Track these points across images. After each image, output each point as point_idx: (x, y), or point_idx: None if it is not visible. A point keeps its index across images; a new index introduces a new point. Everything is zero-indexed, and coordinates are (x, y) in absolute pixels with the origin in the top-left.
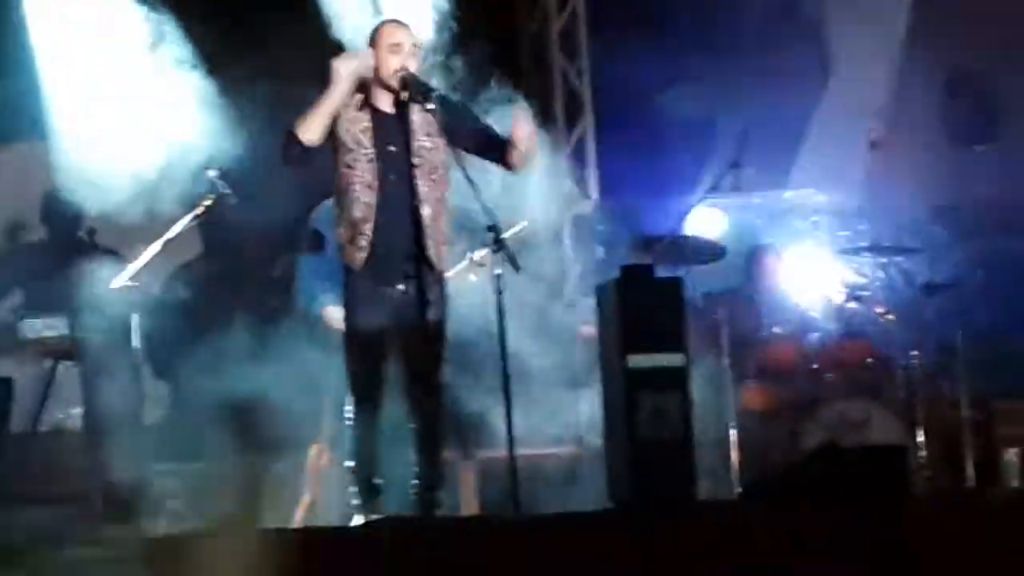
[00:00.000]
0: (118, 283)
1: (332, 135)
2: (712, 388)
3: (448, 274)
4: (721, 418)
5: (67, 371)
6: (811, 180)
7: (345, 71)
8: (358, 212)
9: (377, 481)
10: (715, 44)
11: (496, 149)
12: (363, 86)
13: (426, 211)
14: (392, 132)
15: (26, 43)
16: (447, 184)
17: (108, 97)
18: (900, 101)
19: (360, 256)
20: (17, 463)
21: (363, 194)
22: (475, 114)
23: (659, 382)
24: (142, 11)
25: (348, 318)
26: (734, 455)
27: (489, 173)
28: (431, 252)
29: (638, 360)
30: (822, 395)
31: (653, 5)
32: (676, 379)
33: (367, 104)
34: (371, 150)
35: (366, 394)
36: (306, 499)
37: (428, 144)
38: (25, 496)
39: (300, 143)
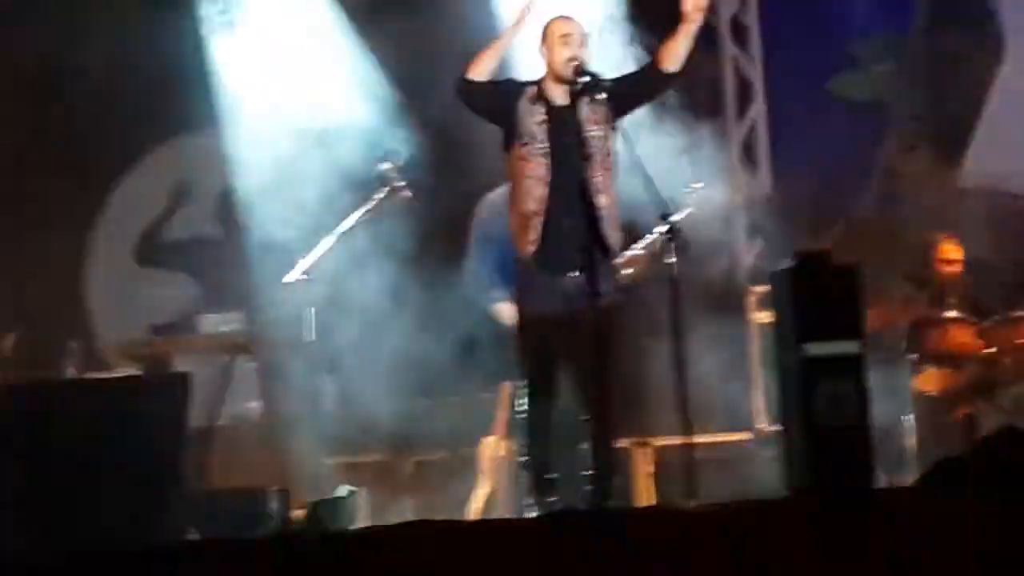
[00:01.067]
0: (292, 277)
1: (507, 125)
2: (888, 373)
3: (619, 261)
4: (897, 403)
5: (244, 366)
6: (987, 164)
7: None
8: (531, 204)
9: (550, 476)
10: (884, 27)
11: (644, 78)
12: (539, 80)
13: (602, 200)
14: (566, 124)
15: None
16: (617, 172)
17: (284, 91)
18: None
19: (531, 247)
20: (196, 458)
21: (535, 186)
22: (629, 74)
23: (836, 369)
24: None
25: (520, 308)
26: (910, 441)
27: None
28: (609, 239)
29: (814, 348)
30: (999, 378)
31: None
32: (853, 366)
33: (541, 97)
34: (545, 144)
35: (539, 384)
36: (482, 490)
37: (600, 133)
38: (205, 490)
39: (466, 79)
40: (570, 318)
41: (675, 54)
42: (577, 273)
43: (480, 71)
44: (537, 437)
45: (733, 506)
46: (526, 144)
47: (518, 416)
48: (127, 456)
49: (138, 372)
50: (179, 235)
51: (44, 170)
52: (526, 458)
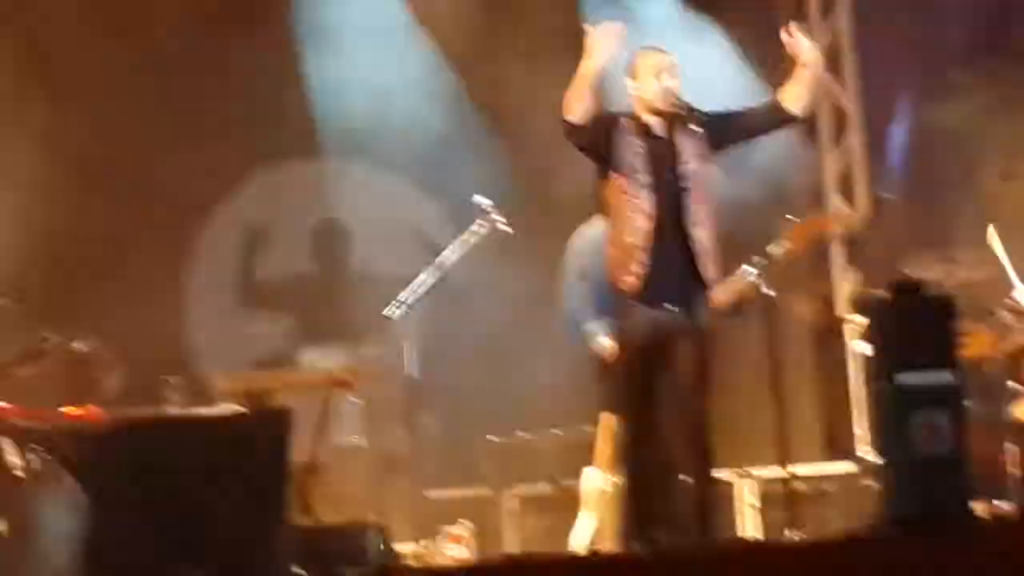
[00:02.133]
0: (392, 311)
1: (606, 157)
2: (988, 401)
3: (717, 293)
4: (998, 433)
5: (344, 400)
6: None
7: (602, 37)
8: (631, 237)
9: (652, 509)
10: (984, 55)
11: (768, 113)
12: (633, 111)
13: (700, 233)
14: (664, 156)
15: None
16: (714, 204)
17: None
18: None
19: (632, 280)
20: (299, 493)
21: (636, 219)
22: (735, 110)
23: (931, 400)
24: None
25: (620, 340)
26: (1012, 469)
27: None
28: (707, 272)
29: (909, 378)
30: None
31: (919, 17)
32: (948, 396)
33: (638, 128)
34: (645, 175)
35: (639, 417)
36: (585, 523)
37: (695, 166)
38: (308, 525)
39: (568, 123)
40: (670, 350)
41: (799, 97)
42: (675, 306)
43: (575, 111)
44: (638, 470)
45: (834, 541)
46: (625, 176)
47: (620, 448)
48: (231, 491)
49: (241, 408)
50: (277, 270)
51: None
52: (627, 491)
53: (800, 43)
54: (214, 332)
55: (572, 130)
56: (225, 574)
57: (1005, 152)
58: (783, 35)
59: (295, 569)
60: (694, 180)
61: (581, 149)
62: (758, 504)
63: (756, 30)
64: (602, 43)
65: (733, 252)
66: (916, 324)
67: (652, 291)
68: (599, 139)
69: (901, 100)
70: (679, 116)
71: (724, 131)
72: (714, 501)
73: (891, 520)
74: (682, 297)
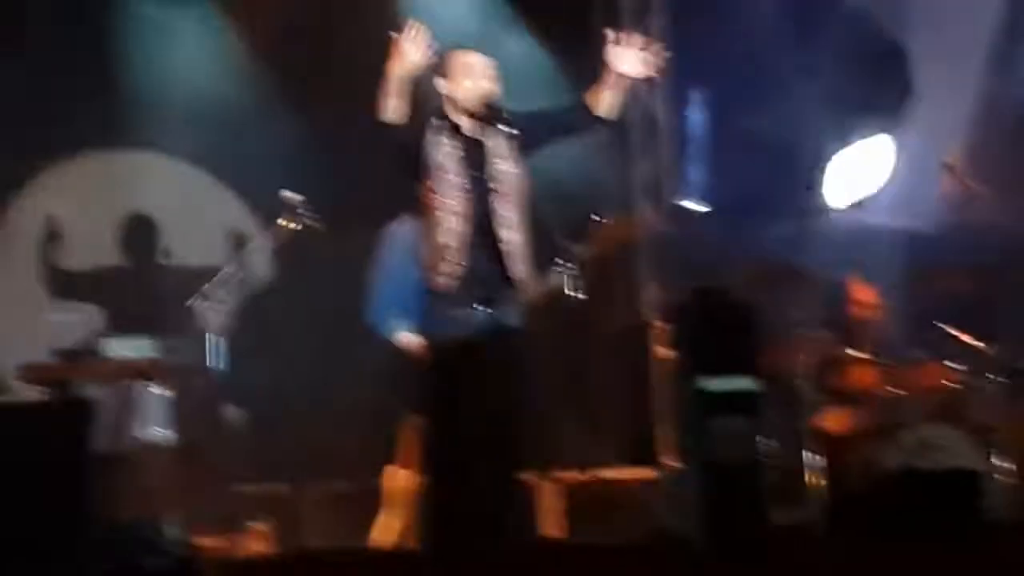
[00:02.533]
0: (198, 302)
1: (416, 158)
2: (790, 411)
3: (525, 294)
4: (799, 442)
5: (147, 392)
6: (887, 206)
7: (408, 41)
8: (443, 237)
9: (455, 508)
10: (798, 68)
11: (577, 115)
12: (444, 111)
13: (510, 235)
14: (475, 156)
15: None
16: (526, 206)
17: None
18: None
19: (443, 280)
20: (100, 484)
21: (448, 219)
22: (544, 110)
23: (731, 406)
24: None
25: (429, 340)
26: (812, 479)
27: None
28: (516, 274)
29: (711, 383)
30: (902, 419)
31: (736, 27)
32: (749, 403)
33: (450, 129)
34: (456, 176)
35: (444, 416)
36: (386, 521)
37: (507, 167)
38: (107, 517)
39: (383, 123)
40: (477, 350)
41: (607, 103)
42: (486, 307)
43: (386, 110)
44: (442, 470)
45: (630, 544)
46: (437, 175)
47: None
48: (27, 482)
49: (40, 397)
50: (81, 260)
51: None
52: (429, 488)
53: (623, 52)
54: (14, 319)
55: (386, 130)
56: (20, 567)
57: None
58: (608, 40)
59: (93, 561)
60: (505, 181)
61: (400, 149)
62: (560, 507)
63: (567, 27)
64: (408, 46)
65: (542, 253)
66: (719, 329)
67: (463, 292)
68: (409, 139)
69: (714, 106)
70: (490, 117)
71: (534, 132)
72: (514, 503)
73: (688, 525)
74: (492, 298)
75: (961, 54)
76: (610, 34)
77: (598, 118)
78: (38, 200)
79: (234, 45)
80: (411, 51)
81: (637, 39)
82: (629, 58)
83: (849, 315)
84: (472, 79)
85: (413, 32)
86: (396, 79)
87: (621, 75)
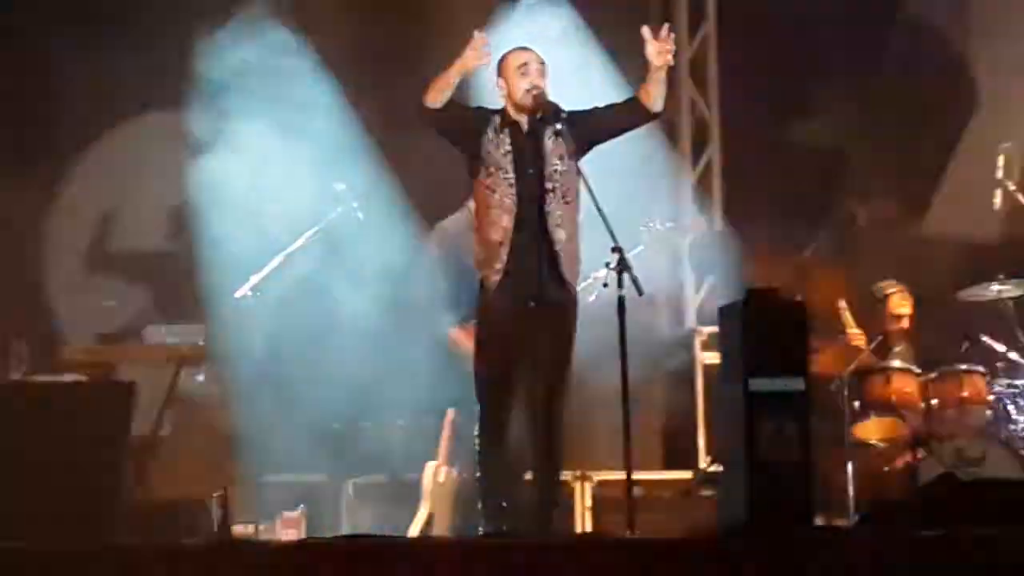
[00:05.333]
0: (243, 291)
1: (473, 154)
2: (830, 419)
3: (576, 293)
4: (839, 448)
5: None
6: (951, 215)
7: (479, 43)
8: (496, 234)
9: (504, 503)
10: (848, 72)
11: (628, 110)
12: (502, 110)
13: (560, 234)
14: (530, 155)
15: None
16: (579, 205)
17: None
18: None
19: (495, 276)
20: (138, 466)
21: (501, 216)
22: (597, 108)
23: (780, 406)
24: None
25: (481, 336)
26: (851, 486)
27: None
28: (566, 273)
29: (760, 383)
30: (940, 431)
31: (785, 33)
32: (797, 403)
33: (506, 126)
34: (511, 173)
35: (496, 413)
36: (423, 513)
37: (561, 167)
38: (146, 498)
39: (424, 105)
40: (528, 348)
41: (654, 95)
42: (536, 304)
43: (434, 98)
44: (492, 464)
45: (668, 540)
46: (492, 173)
47: (475, 443)
48: (68, 461)
49: (83, 379)
50: (131, 244)
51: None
52: (481, 483)
53: (650, 44)
54: (66, 298)
55: (428, 114)
56: (58, 541)
57: (864, 172)
58: (643, 34)
59: (129, 539)
60: (559, 180)
61: (442, 133)
62: (595, 507)
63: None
64: (477, 48)
65: (593, 253)
66: (768, 329)
67: (515, 288)
68: (465, 128)
69: (763, 113)
70: (546, 115)
71: (588, 129)
72: (555, 501)
73: (733, 523)
74: (543, 296)
75: None
76: (644, 31)
77: (649, 111)
78: (93, 179)
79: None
80: (477, 54)
81: (663, 31)
82: (656, 50)
83: (887, 325)
84: (528, 78)
85: (478, 35)
86: (451, 71)
87: (657, 67)
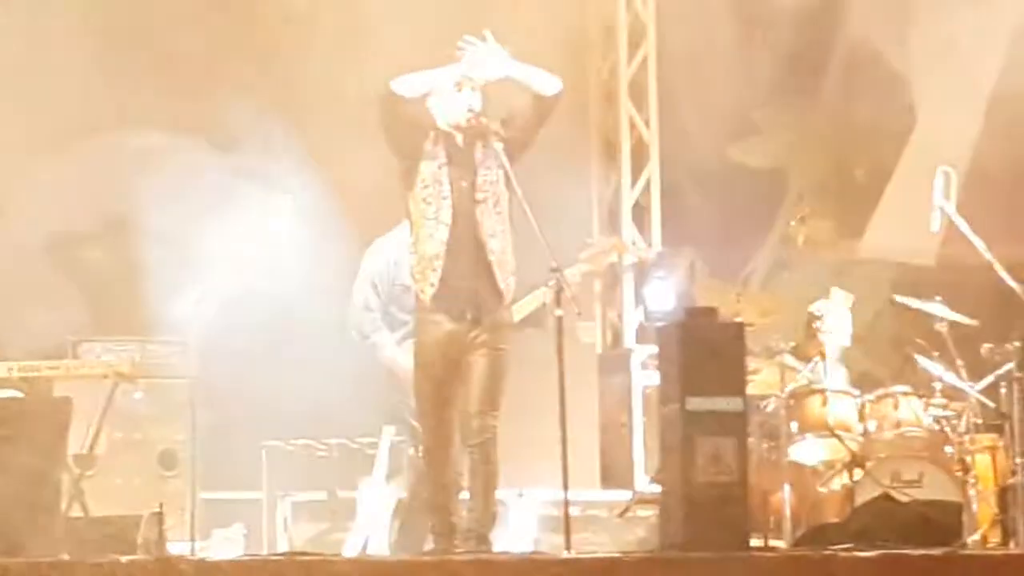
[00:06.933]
0: (179, 307)
1: (411, 165)
2: (768, 438)
3: (511, 307)
4: (777, 469)
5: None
6: (886, 237)
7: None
8: (431, 248)
9: (455, 519)
10: (790, 95)
11: (535, 104)
12: (435, 127)
13: (495, 244)
14: (462, 168)
15: None
16: (510, 216)
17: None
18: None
19: (431, 290)
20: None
21: (436, 230)
22: (514, 114)
23: (717, 425)
24: None
25: (419, 353)
26: (787, 507)
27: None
28: (501, 284)
29: (697, 403)
30: (876, 452)
31: (727, 56)
32: (735, 423)
33: (441, 141)
34: (445, 187)
35: (439, 429)
36: (360, 531)
37: (492, 178)
38: (81, 515)
39: (391, 91)
40: (464, 364)
41: (541, 80)
42: (471, 317)
43: (407, 87)
44: (438, 482)
45: (605, 560)
46: (428, 187)
47: (417, 460)
48: (3, 476)
49: (19, 395)
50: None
51: None
52: (431, 503)
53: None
54: None
55: (390, 101)
56: None
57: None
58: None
59: (64, 555)
60: (489, 190)
61: (388, 132)
62: (532, 525)
63: None
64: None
65: (529, 270)
66: (706, 349)
67: (450, 301)
68: (409, 138)
69: (703, 134)
70: (479, 130)
71: (515, 134)
72: (491, 519)
73: (666, 545)
74: (477, 309)
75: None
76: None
77: (552, 96)
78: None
79: None
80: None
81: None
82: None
83: (825, 345)
84: (459, 93)
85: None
86: (437, 72)
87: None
